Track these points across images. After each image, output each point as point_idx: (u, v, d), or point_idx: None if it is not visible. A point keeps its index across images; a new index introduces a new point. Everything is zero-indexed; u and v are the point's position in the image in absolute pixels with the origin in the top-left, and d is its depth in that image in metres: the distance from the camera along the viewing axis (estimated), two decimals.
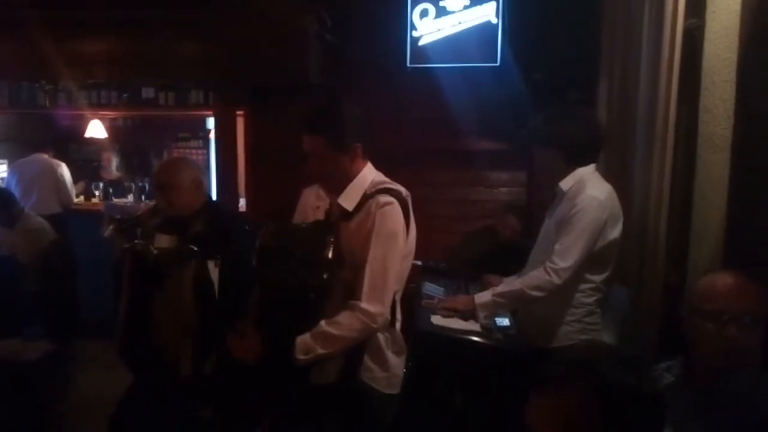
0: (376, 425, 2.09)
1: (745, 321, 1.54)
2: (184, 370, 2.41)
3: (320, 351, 1.88)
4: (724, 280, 1.62)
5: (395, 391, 2.10)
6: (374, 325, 1.92)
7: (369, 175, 2.06)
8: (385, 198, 1.95)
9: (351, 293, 1.94)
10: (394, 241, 1.94)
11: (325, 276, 1.93)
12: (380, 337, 2.03)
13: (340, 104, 2.06)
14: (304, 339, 1.89)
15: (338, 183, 2.03)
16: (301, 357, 1.87)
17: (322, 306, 1.93)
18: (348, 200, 2.01)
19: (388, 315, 1.96)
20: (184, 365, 2.41)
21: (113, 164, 6.50)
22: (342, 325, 1.90)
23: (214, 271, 2.38)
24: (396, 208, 1.95)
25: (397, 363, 2.10)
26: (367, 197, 1.99)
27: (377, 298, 1.91)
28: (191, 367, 2.41)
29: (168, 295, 2.42)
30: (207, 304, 2.37)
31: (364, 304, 1.89)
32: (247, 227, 2.60)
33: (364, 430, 2.07)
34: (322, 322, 1.90)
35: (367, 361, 2.02)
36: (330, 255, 1.94)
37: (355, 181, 2.02)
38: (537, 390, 1.18)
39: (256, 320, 2.04)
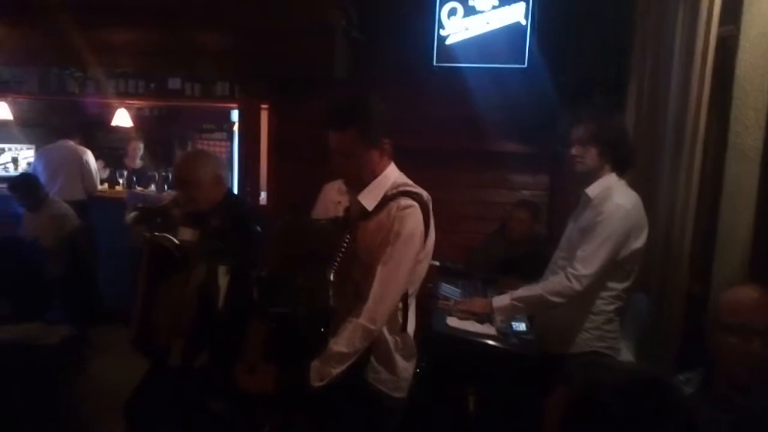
0: (380, 427, 2.07)
1: (755, 343, 1.52)
2: (173, 362, 2.42)
3: (334, 372, 1.86)
4: (748, 293, 1.60)
5: (402, 394, 2.08)
6: (373, 327, 1.88)
7: (392, 175, 2.03)
8: (406, 201, 1.93)
9: (359, 293, 1.91)
10: (411, 244, 1.91)
11: (331, 303, 1.89)
12: (389, 339, 2.01)
13: (368, 98, 2.02)
14: (315, 365, 1.86)
15: (363, 179, 2.00)
16: (317, 384, 1.85)
17: (330, 330, 1.91)
18: (369, 199, 1.98)
19: (384, 320, 1.93)
20: (174, 357, 2.42)
21: (139, 153, 6.56)
22: (348, 340, 1.87)
23: (223, 277, 2.35)
24: (416, 212, 1.93)
25: (405, 366, 2.07)
26: (387, 198, 1.96)
27: (382, 303, 1.89)
28: (181, 359, 2.41)
29: (172, 292, 2.42)
30: (209, 310, 2.35)
31: (368, 309, 1.87)
32: (259, 228, 2.57)
33: (368, 430, 2.06)
34: (331, 342, 1.87)
35: (374, 362, 2.00)
36: (332, 278, 1.89)
37: (377, 180, 2.00)
38: (552, 392, 1.17)
39: (264, 354, 1.99)
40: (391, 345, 2.02)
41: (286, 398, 1.99)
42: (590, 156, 2.43)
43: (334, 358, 1.86)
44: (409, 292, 1.99)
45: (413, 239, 1.91)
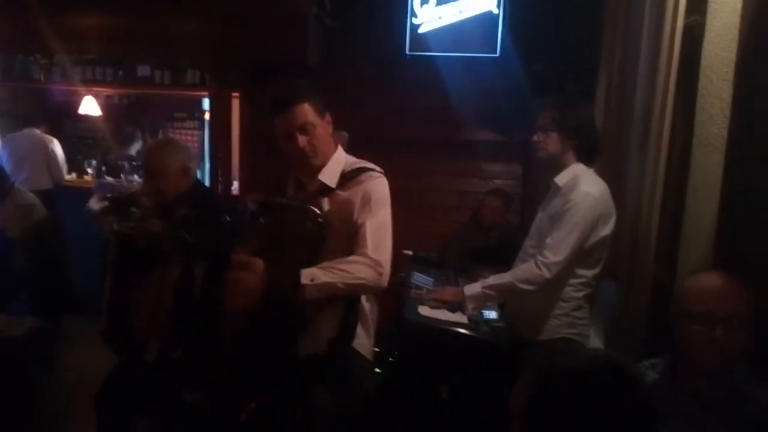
0: (363, 389, 2.14)
1: (733, 323, 1.54)
2: (150, 356, 2.41)
3: (324, 279, 1.85)
4: (712, 281, 1.61)
5: (371, 358, 2.19)
6: (381, 272, 1.93)
7: (342, 155, 2.16)
8: (375, 173, 2.09)
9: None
10: (388, 209, 2.05)
11: (322, 213, 1.96)
12: (366, 306, 2.11)
13: (303, 80, 2.20)
14: (309, 269, 1.86)
15: (320, 159, 2.09)
16: (306, 282, 1.83)
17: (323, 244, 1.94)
18: (328, 177, 2.09)
19: (389, 272, 1.98)
20: (150, 351, 2.41)
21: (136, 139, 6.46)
22: (350, 263, 1.91)
23: (199, 276, 2.34)
24: (386, 182, 2.08)
25: (374, 331, 2.18)
26: (350, 174, 2.08)
27: (382, 251, 1.95)
28: (156, 354, 2.40)
29: (147, 290, 2.40)
30: (185, 307, 2.34)
31: (370, 253, 1.93)
32: (228, 218, 2.56)
33: (351, 394, 2.09)
34: (329, 262, 1.90)
35: (358, 329, 2.06)
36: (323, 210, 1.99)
37: (332, 160, 2.12)
38: (519, 378, 1.18)
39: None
40: (368, 312, 2.12)
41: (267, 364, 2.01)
42: (551, 141, 2.45)
43: (327, 267, 1.88)
44: None
45: (389, 204, 2.06)
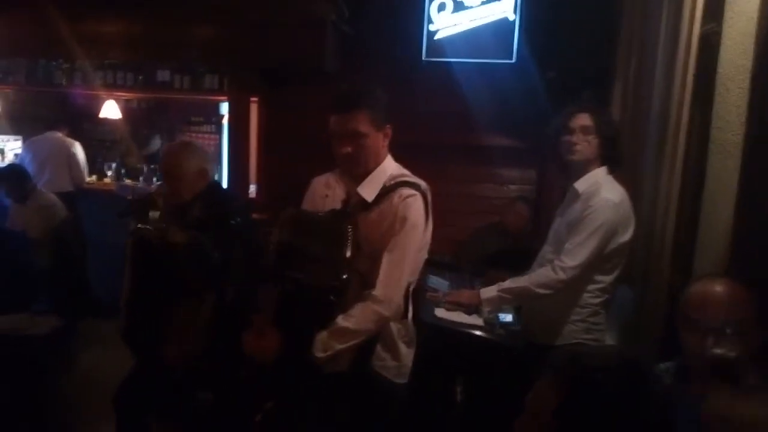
0: (385, 413, 2.11)
1: (726, 332, 1.52)
2: (193, 358, 2.45)
3: (338, 347, 1.89)
4: (709, 288, 1.60)
5: (404, 380, 2.12)
6: (387, 314, 1.93)
7: (389, 167, 2.06)
8: (408, 191, 1.97)
9: (366, 284, 1.94)
10: (415, 233, 1.96)
11: (344, 276, 1.91)
12: (393, 327, 2.05)
13: (374, 86, 2.06)
14: (322, 337, 1.88)
15: (363, 169, 2.01)
16: (320, 355, 1.87)
17: (340, 304, 1.93)
18: (368, 190, 2.01)
19: (401, 303, 1.97)
20: (193, 353, 2.45)
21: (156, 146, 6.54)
22: (358, 318, 1.90)
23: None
24: (419, 201, 1.97)
25: (407, 353, 2.12)
26: (387, 189, 2.00)
27: (392, 287, 1.92)
28: (199, 354, 2.45)
29: (180, 292, 2.44)
30: (223, 331, 2.36)
31: (378, 293, 1.90)
32: (239, 218, 2.60)
33: (372, 417, 2.07)
34: (339, 318, 1.90)
35: (380, 350, 2.04)
36: (349, 254, 1.91)
37: (376, 171, 2.03)
38: (540, 378, 1.20)
39: (274, 319, 2.00)
40: (395, 332, 2.07)
41: (288, 374, 2.01)
42: (590, 146, 2.42)
43: (341, 333, 1.89)
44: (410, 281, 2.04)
45: (417, 228, 1.96)
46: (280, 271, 1.98)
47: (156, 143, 6.60)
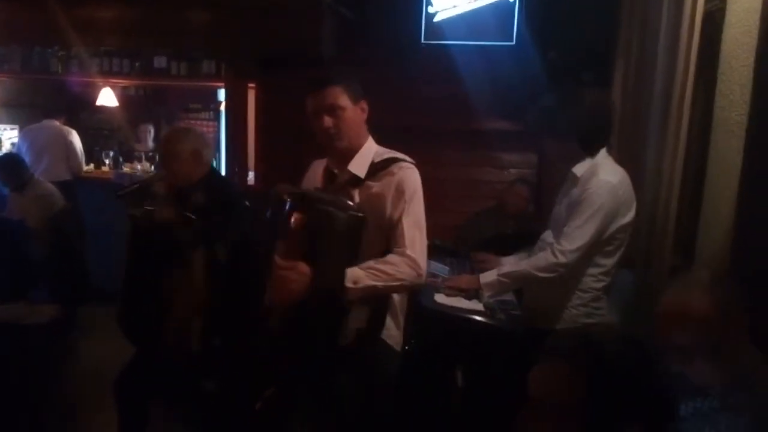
0: (389, 379, 2.14)
1: (676, 354, 1.48)
2: (194, 346, 2.44)
3: (369, 282, 1.88)
4: (684, 299, 1.50)
5: (399, 349, 2.16)
6: (420, 273, 1.95)
7: (373, 145, 2.15)
8: (405, 163, 2.06)
9: (372, 252, 1.95)
10: (422, 201, 2.03)
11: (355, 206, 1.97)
12: (396, 298, 2.09)
13: (344, 64, 2.13)
14: (353, 270, 1.88)
15: (347, 143, 2.06)
16: (350, 285, 1.86)
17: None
18: (358, 168, 2.07)
19: (424, 262, 1.99)
20: (194, 341, 2.44)
21: (150, 135, 6.49)
22: (391, 264, 1.93)
23: (222, 254, 2.40)
24: (417, 172, 2.06)
25: (402, 323, 2.17)
26: (380, 165, 2.06)
27: (419, 249, 1.97)
28: (200, 342, 2.43)
29: (178, 277, 2.43)
30: (218, 288, 2.38)
31: (409, 252, 1.94)
32: (247, 203, 2.61)
33: (377, 384, 2.10)
34: (371, 261, 1.92)
35: (387, 320, 2.07)
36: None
37: (362, 150, 2.10)
38: (541, 361, 1.18)
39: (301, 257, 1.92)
40: (397, 304, 2.11)
41: (300, 356, 2.01)
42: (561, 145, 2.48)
43: (370, 268, 1.90)
44: None
45: (421, 196, 2.04)
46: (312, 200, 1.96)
47: (150, 138, 6.54)
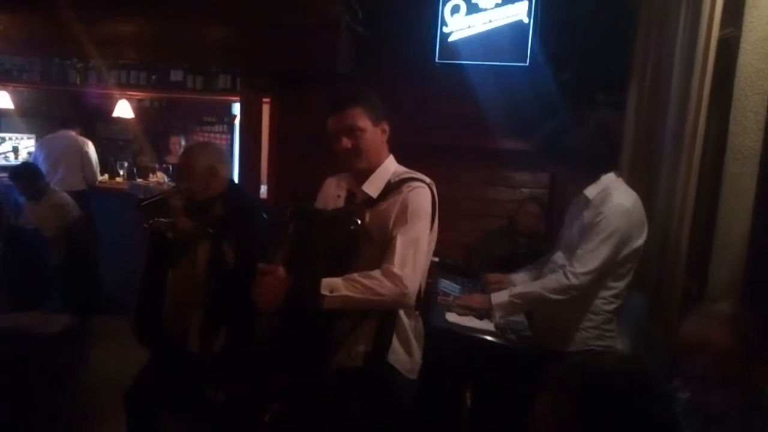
0: (398, 407, 2.11)
1: (694, 384, 1.50)
2: (192, 347, 2.46)
3: (344, 292, 1.86)
4: (702, 331, 1.50)
5: (414, 377, 2.12)
6: (404, 291, 1.89)
7: (392, 165, 2.14)
8: (415, 183, 2.04)
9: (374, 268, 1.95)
10: (425, 221, 2.00)
11: (359, 221, 1.97)
12: (406, 321, 2.07)
13: (366, 86, 2.16)
14: (331, 279, 1.88)
15: (365, 163, 2.07)
16: (325, 293, 1.85)
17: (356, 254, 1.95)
18: (372, 187, 2.08)
19: (416, 289, 1.96)
20: (192, 342, 2.46)
21: (180, 148, 6.53)
22: (373, 278, 1.90)
23: (230, 254, 2.41)
24: (426, 191, 2.03)
25: (417, 350, 2.13)
26: (391, 185, 2.06)
27: (408, 266, 1.91)
28: (199, 344, 2.44)
29: (182, 272, 2.47)
30: (221, 285, 2.39)
31: (396, 269, 1.90)
32: (265, 215, 2.63)
33: (386, 411, 2.07)
34: (354, 274, 1.91)
35: (395, 343, 2.04)
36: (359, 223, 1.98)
37: (379, 169, 2.10)
38: (540, 390, 1.19)
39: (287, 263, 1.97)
40: (408, 327, 2.08)
41: (303, 377, 2.02)
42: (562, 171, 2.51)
43: (349, 280, 1.89)
44: None
45: (426, 216, 2.00)
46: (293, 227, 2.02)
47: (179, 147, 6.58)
